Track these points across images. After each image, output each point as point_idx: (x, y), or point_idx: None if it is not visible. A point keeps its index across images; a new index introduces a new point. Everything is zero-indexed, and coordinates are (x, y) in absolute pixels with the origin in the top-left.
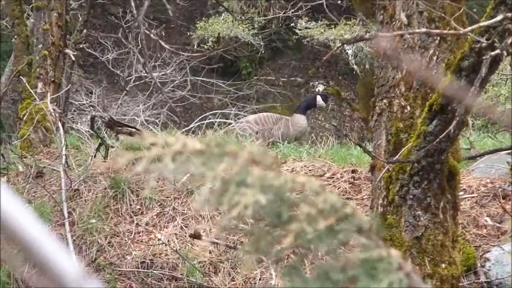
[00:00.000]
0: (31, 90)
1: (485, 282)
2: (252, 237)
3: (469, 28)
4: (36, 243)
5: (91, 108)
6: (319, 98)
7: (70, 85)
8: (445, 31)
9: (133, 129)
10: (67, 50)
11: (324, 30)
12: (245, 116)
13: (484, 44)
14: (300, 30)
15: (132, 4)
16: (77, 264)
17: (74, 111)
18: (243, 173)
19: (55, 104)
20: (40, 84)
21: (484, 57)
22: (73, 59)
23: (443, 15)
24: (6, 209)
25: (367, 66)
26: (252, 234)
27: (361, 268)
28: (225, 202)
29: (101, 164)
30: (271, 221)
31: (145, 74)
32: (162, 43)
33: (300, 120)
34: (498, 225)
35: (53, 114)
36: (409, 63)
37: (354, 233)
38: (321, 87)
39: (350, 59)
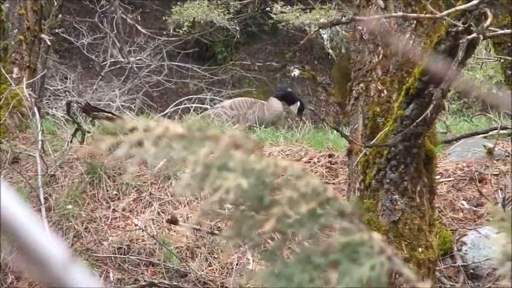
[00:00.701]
0: (6, 75)
1: (461, 265)
2: (233, 221)
3: (446, 12)
4: (20, 227)
5: (66, 93)
6: (298, 104)
7: (46, 70)
8: (422, 15)
9: (110, 114)
10: (42, 35)
11: (300, 15)
12: (221, 101)
13: (460, 28)
14: (275, 14)
15: None
16: (62, 249)
17: (49, 96)
18: (225, 157)
19: (30, 89)
20: (15, 70)
21: (461, 41)
22: (48, 43)
23: None
24: None
25: (343, 51)
26: (233, 219)
27: (342, 252)
28: (206, 186)
29: (77, 149)
30: (253, 205)
31: (121, 59)
32: (139, 27)
33: (275, 103)
34: (474, 208)
35: (29, 99)
36: (385, 47)
37: (336, 217)
38: (296, 72)
39: (326, 43)
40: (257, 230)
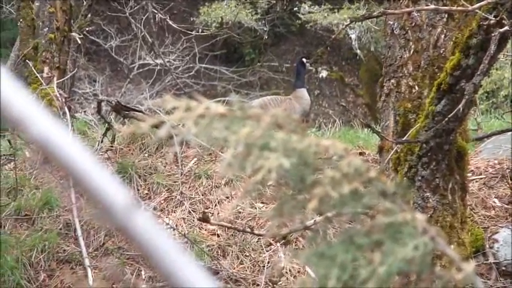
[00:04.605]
0: (37, 75)
1: (493, 263)
2: (277, 201)
3: (477, 5)
4: (83, 172)
5: (95, 96)
6: (304, 61)
7: (76, 69)
8: (453, 8)
9: (140, 113)
10: (73, 33)
11: (327, 15)
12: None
13: (492, 21)
14: (303, 14)
15: None
16: (126, 194)
17: (78, 99)
18: (266, 137)
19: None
20: (46, 69)
21: (493, 35)
22: (79, 42)
23: None
24: (55, 140)
25: (372, 49)
26: (275, 199)
27: (385, 232)
28: (248, 166)
29: (121, 129)
30: (295, 186)
31: (150, 61)
32: (170, 22)
33: (304, 93)
34: (506, 206)
35: (60, 98)
36: (416, 42)
37: (379, 197)
38: (324, 73)
39: (353, 43)
40: (299, 210)
